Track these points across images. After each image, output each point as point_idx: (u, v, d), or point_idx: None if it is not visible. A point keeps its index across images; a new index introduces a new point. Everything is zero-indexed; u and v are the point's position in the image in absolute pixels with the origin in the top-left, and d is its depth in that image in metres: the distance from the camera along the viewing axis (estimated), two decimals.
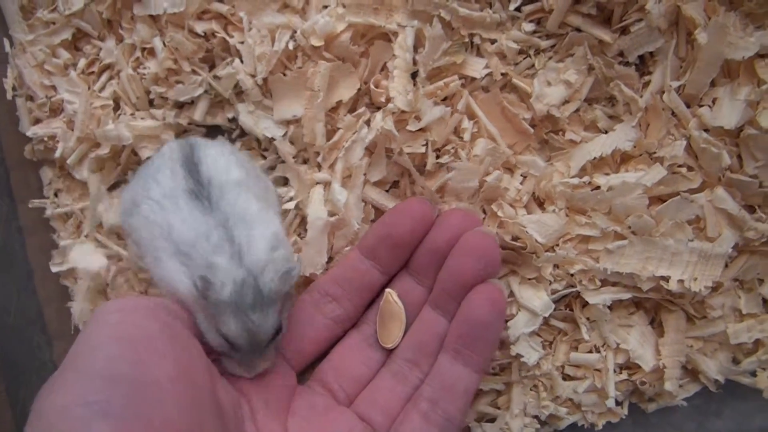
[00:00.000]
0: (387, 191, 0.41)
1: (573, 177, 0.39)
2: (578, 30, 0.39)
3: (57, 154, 0.43)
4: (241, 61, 0.41)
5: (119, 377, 0.25)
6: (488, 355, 0.36)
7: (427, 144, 0.39)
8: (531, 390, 0.41)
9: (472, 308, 0.35)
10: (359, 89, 0.40)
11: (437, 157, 0.40)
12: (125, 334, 0.27)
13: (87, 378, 0.25)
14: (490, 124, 0.40)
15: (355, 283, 0.38)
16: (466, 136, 0.39)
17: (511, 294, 0.39)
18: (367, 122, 0.40)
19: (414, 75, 0.40)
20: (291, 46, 0.40)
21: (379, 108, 0.40)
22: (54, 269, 0.44)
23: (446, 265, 0.36)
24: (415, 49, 0.40)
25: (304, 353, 0.38)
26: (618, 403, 0.41)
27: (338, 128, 0.40)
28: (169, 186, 0.34)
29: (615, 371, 0.40)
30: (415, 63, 0.40)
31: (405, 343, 0.38)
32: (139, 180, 0.38)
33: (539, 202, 0.41)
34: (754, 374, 0.41)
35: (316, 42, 0.39)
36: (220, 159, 0.36)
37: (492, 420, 0.41)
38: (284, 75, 0.40)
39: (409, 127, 0.37)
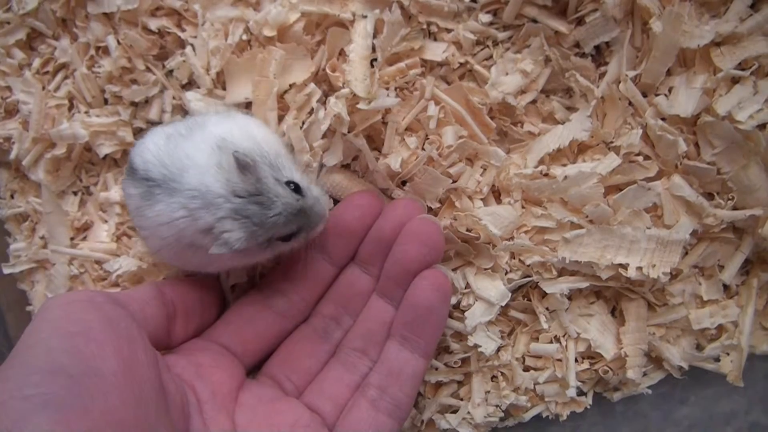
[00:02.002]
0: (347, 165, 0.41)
1: (528, 168, 0.39)
2: (534, 21, 0.39)
3: (12, 155, 0.43)
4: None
5: (58, 370, 0.25)
6: (434, 340, 0.36)
7: (386, 124, 0.39)
8: (492, 380, 0.41)
9: (417, 293, 0.35)
10: (316, 75, 0.40)
11: (402, 139, 0.40)
12: (65, 328, 0.27)
13: (26, 372, 0.25)
14: (457, 105, 0.40)
15: (304, 275, 0.38)
16: (432, 124, 0.39)
17: (468, 285, 0.39)
18: (323, 104, 0.39)
19: (372, 62, 0.40)
20: (244, 37, 0.39)
21: None
22: (6, 270, 0.43)
23: (392, 253, 0.37)
24: (373, 35, 0.40)
25: (253, 348, 0.37)
26: (582, 393, 0.42)
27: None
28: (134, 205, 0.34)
29: (577, 361, 0.40)
30: (373, 50, 0.39)
31: (353, 333, 0.38)
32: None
33: (497, 194, 0.41)
34: (717, 360, 0.41)
35: (268, 32, 0.38)
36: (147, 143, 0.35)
37: (455, 411, 0.41)
38: (238, 56, 0.39)
39: (359, 105, 0.37)
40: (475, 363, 0.41)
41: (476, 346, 0.39)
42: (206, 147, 0.32)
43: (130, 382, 0.27)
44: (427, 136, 0.40)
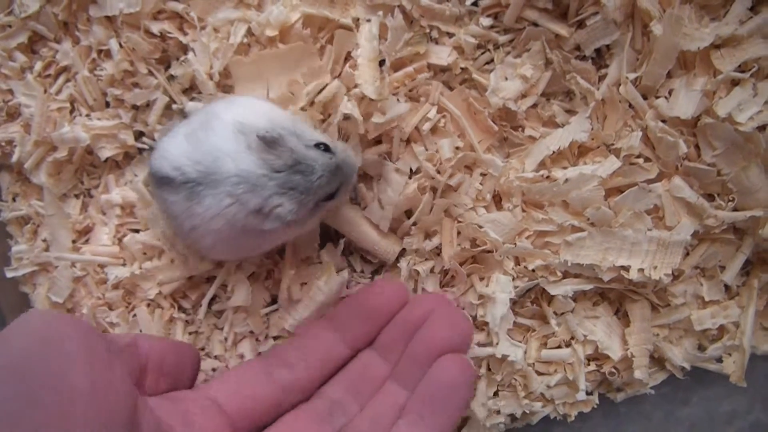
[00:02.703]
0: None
1: (529, 171, 0.39)
2: (535, 24, 0.40)
3: (13, 158, 0.43)
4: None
5: (19, 373, 0.23)
6: (451, 424, 0.34)
7: (395, 135, 0.39)
8: (508, 387, 0.41)
9: (442, 370, 0.34)
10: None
11: (407, 144, 0.40)
12: (40, 333, 0.25)
13: None
14: (463, 118, 0.40)
15: (315, 351, 0.36)
16: (427, 126, 0.39)
17: (480, 296, 0.40)
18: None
19: (380, 63, 0.39)
20: (245, 40, 0.39)
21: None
22: (9, 274, 0.43)
23: (418, 335, 0.36)
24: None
25: (246, 414, 0.34)
26: (588, 394, 0.42)
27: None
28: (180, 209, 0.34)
29: (583, 363, 0.40)
30: (380, 53, 0.39)
31: (361, 417, 0.35)
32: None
33: (497, 198, 0.41)
34: (719, 360, 0.41)
35: (270, 32, 0.38)
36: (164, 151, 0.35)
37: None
38: (245, 56, 0.39)
39: (374, 119, 0.37)
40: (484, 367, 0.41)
41: (504, 356, 0.39)
42: (228, 134, 0.32)
43: (99, 408, 0.24)
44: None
